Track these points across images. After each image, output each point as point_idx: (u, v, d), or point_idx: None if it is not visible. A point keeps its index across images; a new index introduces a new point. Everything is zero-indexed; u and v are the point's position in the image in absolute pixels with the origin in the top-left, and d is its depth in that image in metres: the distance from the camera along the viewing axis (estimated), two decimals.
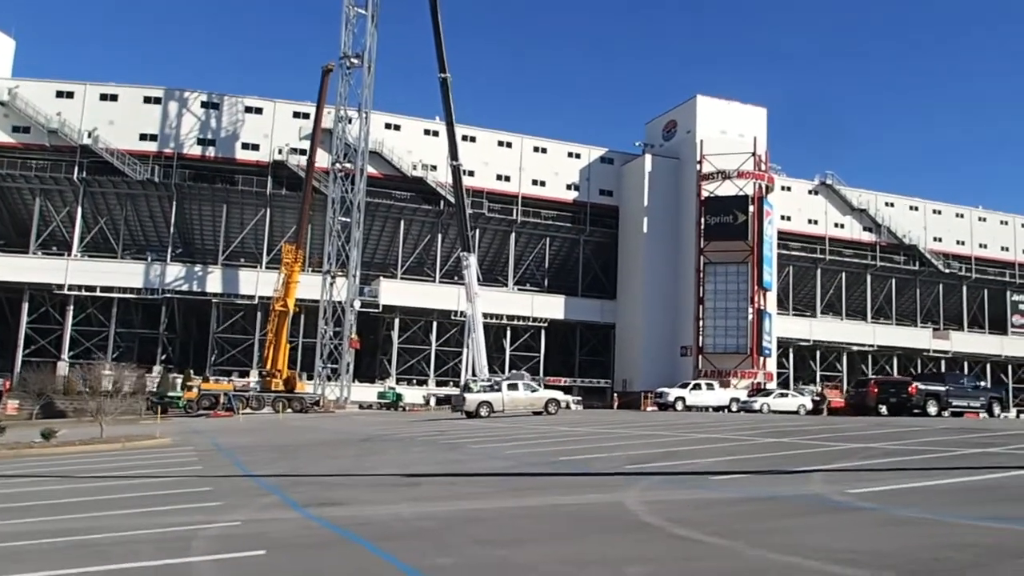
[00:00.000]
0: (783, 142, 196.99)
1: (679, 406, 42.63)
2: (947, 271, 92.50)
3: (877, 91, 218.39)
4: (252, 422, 42.66)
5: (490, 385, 38.69)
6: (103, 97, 72.56)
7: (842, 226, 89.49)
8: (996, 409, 34.68)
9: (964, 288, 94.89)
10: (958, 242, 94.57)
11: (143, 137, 72.24)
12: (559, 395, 37.72)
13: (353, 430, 29.76)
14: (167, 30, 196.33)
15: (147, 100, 73.07)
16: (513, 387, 36.02)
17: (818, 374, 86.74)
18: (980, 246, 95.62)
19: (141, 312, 74.80)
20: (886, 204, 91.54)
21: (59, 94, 71.74)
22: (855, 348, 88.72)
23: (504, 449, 18.79)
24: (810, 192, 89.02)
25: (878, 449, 15.51)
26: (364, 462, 17.62)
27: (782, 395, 43.43)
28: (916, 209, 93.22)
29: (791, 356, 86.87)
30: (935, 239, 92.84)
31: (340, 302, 67.08)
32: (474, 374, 68.22)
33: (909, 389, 31.99)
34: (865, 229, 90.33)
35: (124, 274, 71.40)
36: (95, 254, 72.82)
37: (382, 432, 27.43)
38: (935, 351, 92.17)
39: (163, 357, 73.07)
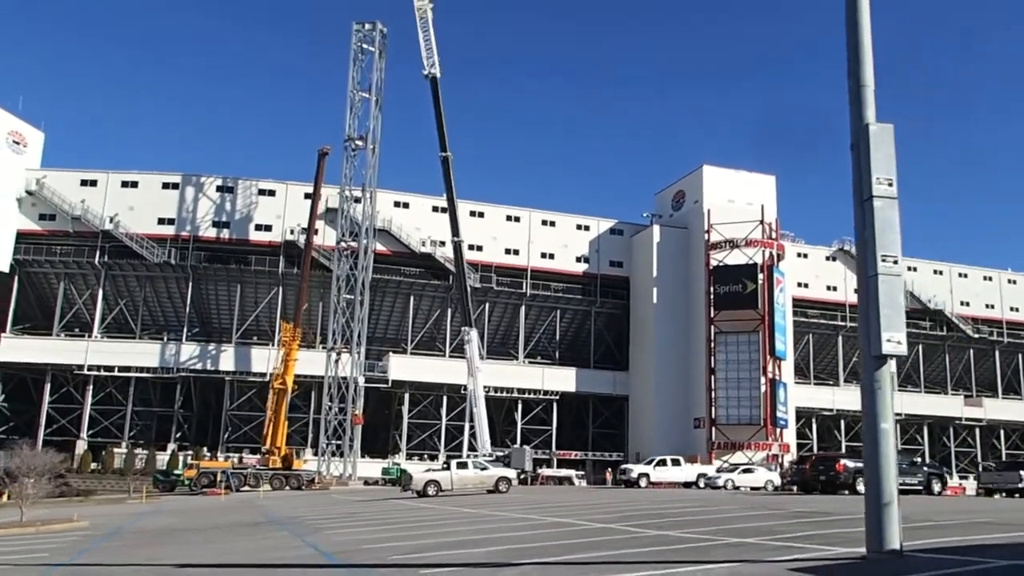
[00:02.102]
0: (800, 210, 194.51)
1: (643, 483, 41.89)
2: (977, 336, 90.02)
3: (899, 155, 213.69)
4: (232, 500, 43.09)
5: (442, 465, 38.91)
6: (124, 184, 75.71)
7: None
8: (936, 486, 33.44)
9: (996, 353, 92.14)
10: (987, 306, 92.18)
11: (161, 221, 74.96)
12: (510, 473, 37.65)
13: (285, 513, 29.84)
14: (187, 115, 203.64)
15: (165, 186, 76.02)
16: (463, 466, 36.12)
17: (843, 445, 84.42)
18: (1011, 309, 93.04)
19: (159, 391, 76.59)
20: (909, 268, 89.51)
21: (83, 182, 75.14)
22: None
23: (343, 535, 18.47)
24: (828, 258, 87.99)
25: (669, 537, 14.67)
26: (194, 549, 17.57)
27: (748, 471, 42.52)
28: (941, 273, 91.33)
29: (814, 426, 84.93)
30: (962, 303, 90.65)
31: (344, 378, 67.84)
32: (474, 449, 68.43)
33: (836, 466, 30.98)
34: None
35: (141, 354, 73.41)
36: (115, 335, 75.12)
37: (296, 515, 27.39)
38: (968, 419, 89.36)
39: (178, 435, 74.49)
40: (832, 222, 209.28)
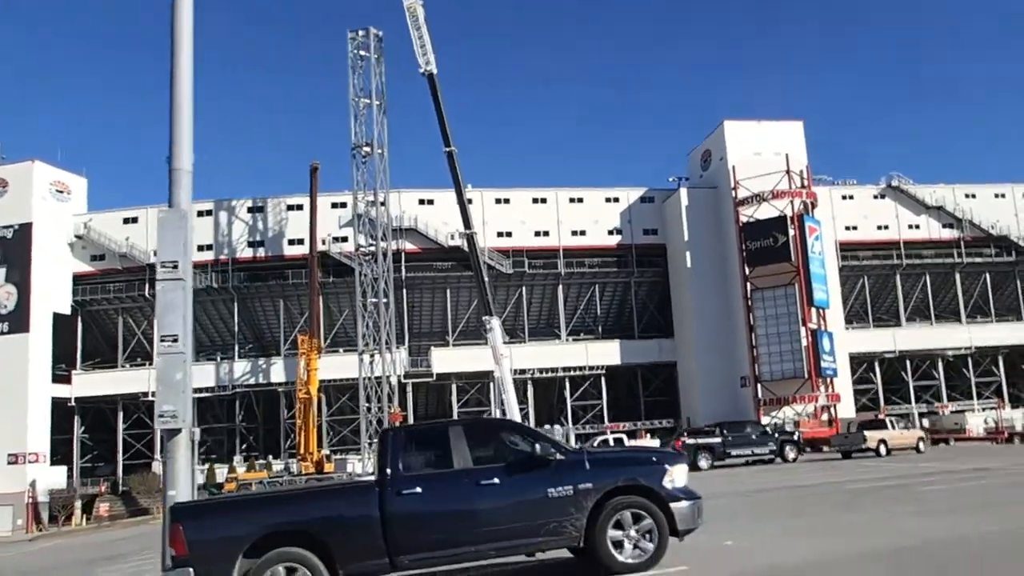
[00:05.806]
0: (845, 151, 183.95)
1: None
2: None
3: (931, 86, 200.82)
4: None
5: None
6: None
7: (917, 227, 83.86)
8: (791, 453, 35.29)
9: None
10: None
11: (200, 248, 77.87)
12: None
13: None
14: (213, 140, 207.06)
15: (200, 214, 78.96)
16: None
17: (911, 386, 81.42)
18: None
19: (225, 408, 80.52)
20: (966, 196, 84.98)
21: (125, 220, 79.14)
22: (950, 353, 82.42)
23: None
24: (876, 197, 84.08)
25: None
26: None
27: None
28: (1003, 196, 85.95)
29: (878, 371, 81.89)
30: None
31: (379, 378, 69.82)
32: None
33: (675, 444, 32.67)
34: (945, 226, 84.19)
35: (197, 375, 76.84)
36: None
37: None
38: None
39: (243, 447, 78.23)
40: (881, 159, 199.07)
